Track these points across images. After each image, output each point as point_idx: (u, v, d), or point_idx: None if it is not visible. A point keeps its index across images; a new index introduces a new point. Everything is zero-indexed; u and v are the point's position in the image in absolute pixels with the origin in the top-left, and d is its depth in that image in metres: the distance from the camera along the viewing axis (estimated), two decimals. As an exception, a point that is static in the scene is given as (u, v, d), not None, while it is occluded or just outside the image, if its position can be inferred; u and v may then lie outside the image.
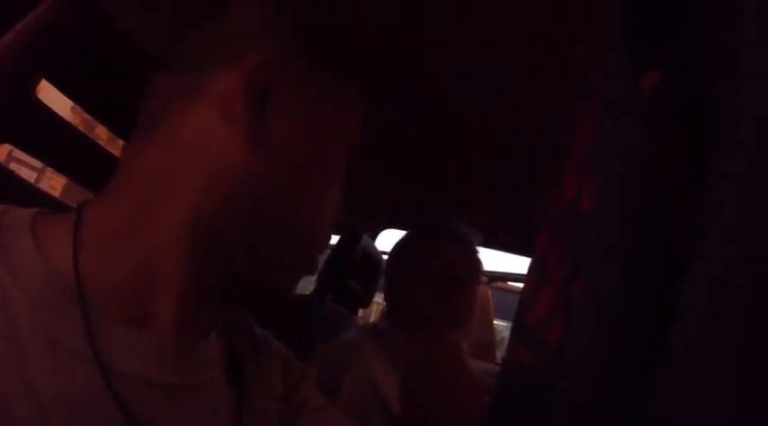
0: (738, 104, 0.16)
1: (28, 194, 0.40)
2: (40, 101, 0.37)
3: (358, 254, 0.95)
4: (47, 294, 0.24)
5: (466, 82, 0.46)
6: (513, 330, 0.25)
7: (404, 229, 1.04)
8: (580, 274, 0.21)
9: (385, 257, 1.12)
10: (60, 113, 0.41)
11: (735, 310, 0.15)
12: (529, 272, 0.25)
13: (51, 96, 0.42)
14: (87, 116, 0.46)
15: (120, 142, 0.49)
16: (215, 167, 0.27)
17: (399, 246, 0.75)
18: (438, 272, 0.67)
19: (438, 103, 0.51)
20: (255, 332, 0.36)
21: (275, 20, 0.30)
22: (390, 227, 1.08)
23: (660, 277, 0.19)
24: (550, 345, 0.21)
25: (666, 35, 0.21)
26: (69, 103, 0.44)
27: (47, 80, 0.38)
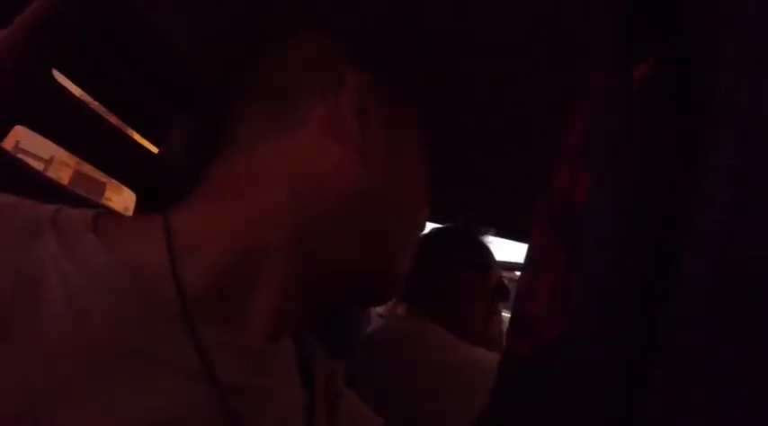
0: (730, 97, 0.16)
1: (38, 184, 0.41)
2: (56, 80, 0.37)
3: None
4: (137, 305, 0.22)
5: (466, 82, 0.47)
6: (511, 323, 0.25)
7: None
8: (575, 267, 0.21)
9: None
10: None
11: (729, 307, 0.15)
12: (525, 265, 0.25)
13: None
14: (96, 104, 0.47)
15: (130, 131, 0.50)
16: (328, 181, 0.28)
17: (428, 237, 0.77)
18: (478, 261, 0.73)
19: (438, 103, 0.52)
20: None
21: (337, 46, 0.33)
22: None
23: (652, 269, 0.19)
24: (548, 338, 0.22)
25: (666, 35, 0.21)
26: (77, 91, 0.45)
27: (56, 69, 0.39)
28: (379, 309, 1.04)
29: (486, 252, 0.76)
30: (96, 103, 0.46)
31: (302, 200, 0.28)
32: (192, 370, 0.23)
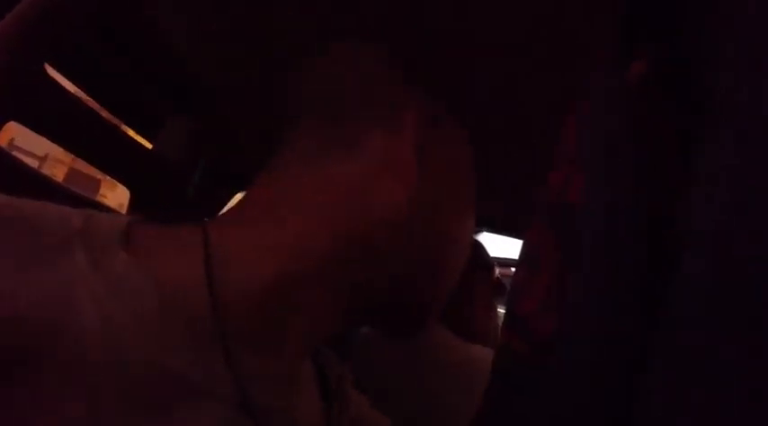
0: (730, 97, 0.16)
1: (32, 181, 0.40)
2: (49, 76, 0.37)
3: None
4: (172, 328, 0.21)
5: (466, 82, 0.47)
6: (506, 319, 0.25)
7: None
8: (574, 267, 0.21)
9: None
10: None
11: (729, 307, 0.15)
12: (520, 262, 0.25)
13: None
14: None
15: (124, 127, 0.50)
16: (378, 210, 0.27)
17: None
18: (481, 260, 0.75)
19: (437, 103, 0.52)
20: None
21: (395, 62, 0.32)
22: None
23: (652, 269, 0.19)
24: (543, 335, 0.22)
25: (666, 35, 0.22)
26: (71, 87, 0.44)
27: (50, 65, 0.38)
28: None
29: (486, 251, 0.78)
30: (90, 100, 0.46)
31: (348, 226, 0.27)
32: (226, 396, 0.22)
